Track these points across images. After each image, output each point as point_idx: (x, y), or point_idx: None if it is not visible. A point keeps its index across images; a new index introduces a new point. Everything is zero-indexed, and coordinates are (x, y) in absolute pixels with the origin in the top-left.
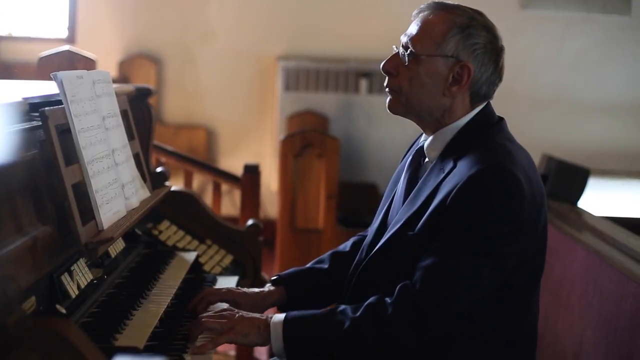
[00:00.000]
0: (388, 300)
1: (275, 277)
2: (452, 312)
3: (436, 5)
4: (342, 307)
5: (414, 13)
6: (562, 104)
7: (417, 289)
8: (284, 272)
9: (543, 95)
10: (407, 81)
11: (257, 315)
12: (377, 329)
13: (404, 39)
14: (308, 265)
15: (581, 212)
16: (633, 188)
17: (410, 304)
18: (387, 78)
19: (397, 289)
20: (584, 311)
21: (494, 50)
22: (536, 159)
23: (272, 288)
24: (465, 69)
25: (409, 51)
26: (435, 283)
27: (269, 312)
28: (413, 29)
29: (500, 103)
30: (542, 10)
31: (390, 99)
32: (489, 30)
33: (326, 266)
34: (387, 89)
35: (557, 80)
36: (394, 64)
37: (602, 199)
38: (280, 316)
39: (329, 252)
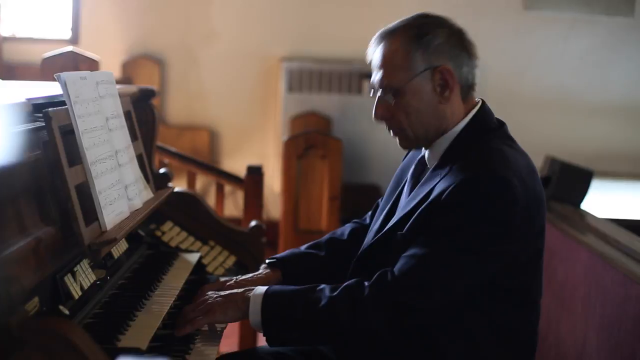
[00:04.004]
0: (366, 283)
1: (272, 260)
2: (425, 304)
3: (381, 35)
4: (322, 285)
5: (368, 53)
6: (566, 105)
7: (396, 276)
8: (280, 255)
9: (546, 96)
10: (404, 117)
11: (235, 290)
12: (351, 309)
13: (375, 81)
14: (304, 248)
15: (584, 214)
16: (637, 190)
17: (385, 289)
18: (385, 124)
19: (376, 274)
20: (587, 313)
21: (456, 38)
22: (539, 161)
23: (267, 271)
24: (445, 71)
25: (387, 91)
26: (414, 273)
27: None
28: (376, 68)
29: (504, 104)
30: (545, 12)
31: (399, 140)
32: (441, 23)
33: (323, 253)
34: (391, 133)
35: (561, 82)
36: (383, 110)
37: (605, 200)
38: (262, 289)
39: (326, 237)
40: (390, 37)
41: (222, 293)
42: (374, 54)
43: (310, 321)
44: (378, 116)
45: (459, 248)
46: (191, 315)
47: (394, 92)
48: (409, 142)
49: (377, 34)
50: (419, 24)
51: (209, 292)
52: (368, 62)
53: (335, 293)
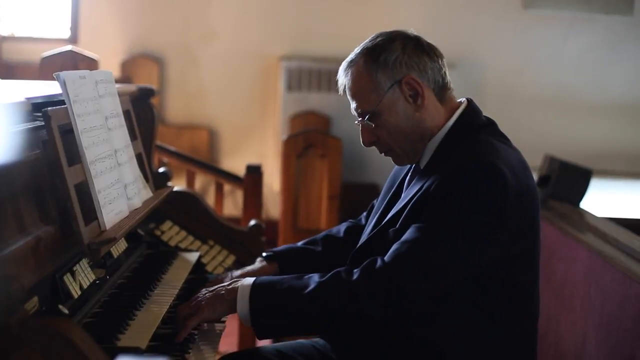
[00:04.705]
0: (355, 269)
1: (268, 253)
2: (415, 288)
3: (344, 68)
4: (312, 274)
5: (339, 87)
6: (565, 104)
7: (385, 261)
8: (277, 249)
9: (545, 95)
10: (387, 136)
11: (222, 284)
12: (340, 292)
13: (353, 111)
14: (300, 244)
15: (583, 213)
16: (636, 189)
17: (375, 272)
18: (375, 148)
19: (366, 261)
20: (586, 312)
21: (412, 46)
22: (538, 160)
23: (264, 264)
24: (411, 81)
25: (365, 116)
26: (403, 256)
27: None
28: (350, 99)
29: (503, 103)
30: (544, 10)
31: (392, 159)
32: (393, 38)
33: (319, 248)
34: (384, 155)
35: (560, 81)
36: (368, 134)
37: (604, 199)
38: (250, 280)
39: (323, 234)
40: (351, 67)
41: (211, 289)
42: (344, 86)
43: (299, 305)
44: (366, 142)
45: (449, 234)
46: (182, 315)
47: (371, 116)
48: (401, 159)
49: (341, 67)
50: (372, 46)
51: (202, 291)
52: (341, 93)
53: (324, 278)
